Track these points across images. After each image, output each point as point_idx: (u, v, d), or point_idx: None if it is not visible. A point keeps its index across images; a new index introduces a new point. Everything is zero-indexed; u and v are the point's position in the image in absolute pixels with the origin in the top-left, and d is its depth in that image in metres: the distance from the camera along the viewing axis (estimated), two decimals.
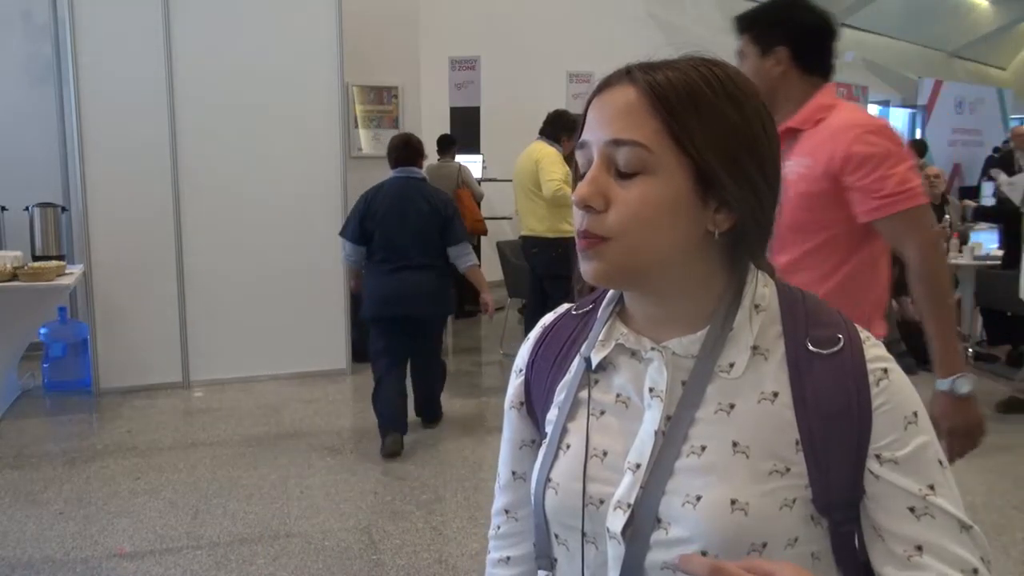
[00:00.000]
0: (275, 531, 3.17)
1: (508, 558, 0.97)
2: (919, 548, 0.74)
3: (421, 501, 3.47)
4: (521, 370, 0.94)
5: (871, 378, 0.75)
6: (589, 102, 0.79)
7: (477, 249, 7.37)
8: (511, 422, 0.95)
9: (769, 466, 0.74)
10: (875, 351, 0.77)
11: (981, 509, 3.40)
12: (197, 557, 2.96)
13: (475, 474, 3.81)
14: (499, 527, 0.98)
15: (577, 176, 0.81)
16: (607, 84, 0.78)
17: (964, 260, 5.74)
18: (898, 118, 13.32)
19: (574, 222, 0.79)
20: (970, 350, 5.77)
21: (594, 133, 0.77)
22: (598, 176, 0.76)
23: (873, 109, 12.28)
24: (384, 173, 6.29)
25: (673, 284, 0.79)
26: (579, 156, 0.79)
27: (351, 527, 3.22)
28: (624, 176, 0.75)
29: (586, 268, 0.77)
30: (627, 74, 0.77)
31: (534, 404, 0.92)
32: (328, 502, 3.44)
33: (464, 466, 3.89)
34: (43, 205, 4.97)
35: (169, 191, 4.94)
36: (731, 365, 0.77)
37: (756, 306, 0.79)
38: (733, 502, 0.73)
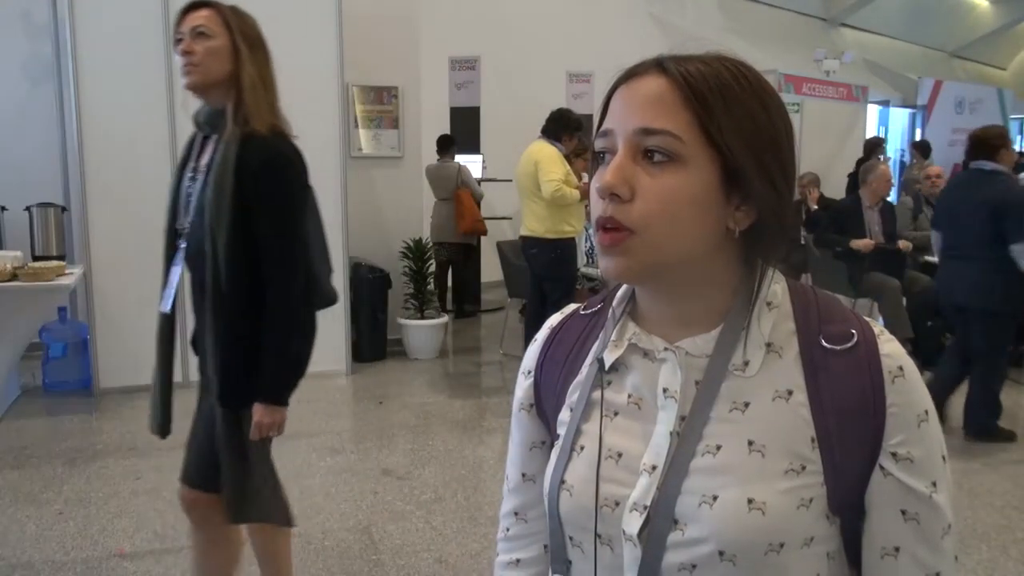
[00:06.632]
0: None
1: (518, 560, 0.96)
2: (896, 549, 0.76)
3: (421, 501, 3.46)
4: (530, 372, 0.93)
5: (886, 375, 0.75)
6: (613, 91, 0.78)
7: (477, 249, 7.39)
8: (521, 424, 0.94)
9: (785, 465, 0.74)
10: (889, 347, 0.77)
11: (981, 509, 3.40)
12: None
13: (475, 474, 3.81)
14: (508, 529, 0.97)
15: (593, 166, 0.80)
16: (634, 73, 0.77)
17: None
18: (898, 118, 13.33)
19: (593, 213, 0.77)
20: None
21: (621, 121, 0.76)
22: (624, 164, 0.74)
23: (873, 109, 12.29)
24: (384, 173, 6.26)
25: (690, 282, 0.78)
26: (600, 143, 0.78)
27: (351, 527, 3.22)
28: (652, 166, 0.74)
29: (609, 264, 0.76)
30: (658, 64, 0.76)
31: (544, 405, 0.91)
32: (328, 502, 3.44)
33: (464, 466, 3.89)
34: (43, 205, 4.96)
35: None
36: (746, 363, 0.77)
37: (768, 303, 0.79)
38: (750, 501, 0.73)
